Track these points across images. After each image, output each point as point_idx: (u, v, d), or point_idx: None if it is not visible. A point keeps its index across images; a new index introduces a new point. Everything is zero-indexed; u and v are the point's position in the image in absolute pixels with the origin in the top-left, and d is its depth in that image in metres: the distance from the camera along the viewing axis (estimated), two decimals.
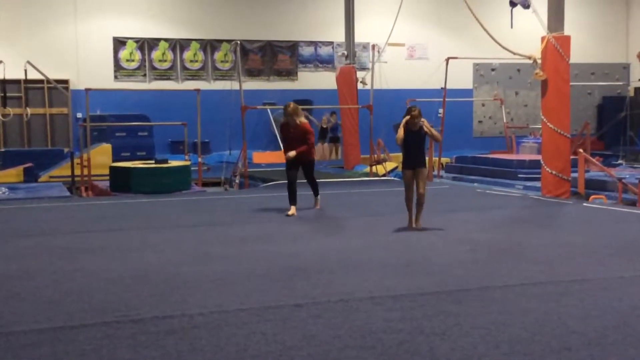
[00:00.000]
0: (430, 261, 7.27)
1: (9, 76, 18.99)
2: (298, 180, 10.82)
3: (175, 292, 6.07)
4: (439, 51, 22.66)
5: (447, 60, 18.12)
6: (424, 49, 24.78)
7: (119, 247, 8.16)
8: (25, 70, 17.96)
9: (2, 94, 20.25)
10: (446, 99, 18.34)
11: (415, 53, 24.81)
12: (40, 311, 5.52)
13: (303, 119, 10.87)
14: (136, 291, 6.12)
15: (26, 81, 19.80)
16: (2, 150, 18.80)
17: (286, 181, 10.91)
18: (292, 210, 10.65)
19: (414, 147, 9.01)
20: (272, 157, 20.38)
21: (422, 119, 8.91)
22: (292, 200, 10.74)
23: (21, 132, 21.31)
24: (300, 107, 21.55)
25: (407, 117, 8.84)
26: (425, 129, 8.95)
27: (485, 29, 12.46)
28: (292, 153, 10.60)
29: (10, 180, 15.70)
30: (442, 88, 18.26)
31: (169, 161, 15.35)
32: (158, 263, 7.27)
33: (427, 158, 9.95)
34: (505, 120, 22.04)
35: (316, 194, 11.24)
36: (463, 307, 5.56)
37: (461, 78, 23.90)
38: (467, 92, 24.90)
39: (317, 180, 11.25)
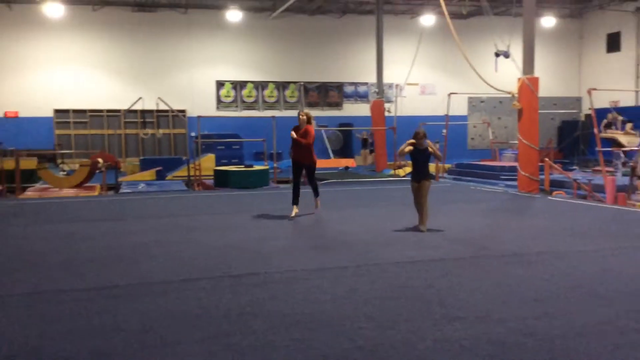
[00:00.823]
0: (437, 238, 7.20)
1: (146, 107, 19.46)
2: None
3: (260, 257, 6.14)
4: (443, 88, 22.47)
5: (450, 95, 17.96)
6: (432, 86, 24.54)
7: (220, 226, 8.25)
8: (157, 104, 18.34)
9: (142, 120, 20.78)
10: (448, 123, 18.14)
11: (426, 90, 24.58)
12: (167, 269, 5.65)
13: (311, 125, 8.99)
14: (233, 257, 6.20)
15: (157, 111, 20.29)
16: (142, 158, 19.23)
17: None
18: (295, 210, 8.96)
19: (419, 163, 7.78)
20: (325, 163, 20.36)
21: (429, 141, 7.75)
22: (296, 200, 9.02)
23: (154, 146, 21.79)
24: (343, 128, 21.42)
25: (412, 140, 7.70)
26: (430, 149, 7.73)
27: (477, 73, 12.29)
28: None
29: (147, 179, 16.04)
30: (445, 115, 18.09)
31: (254, 166, 15.49)
32: (248, 237, 7.32)
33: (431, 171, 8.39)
34: (491, 137, 21.68)
35: (316, 195, 9.38)
36: (463, 270, 5.52)
37: (459, 107, 23.64)
38: (463, 117, 24.59)
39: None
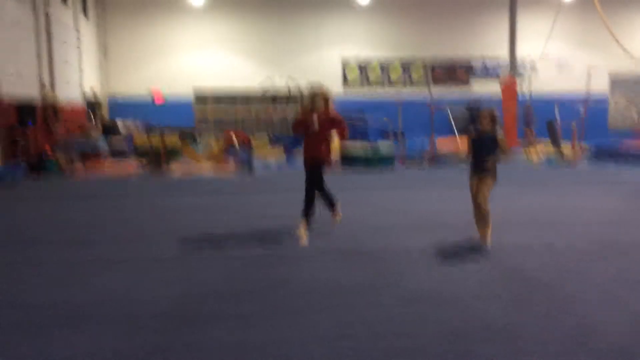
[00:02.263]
0: (577, 221, 6.83)
1: (276, 87, 20.14)
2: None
3: (381, 234, 6.21)
4: (582, 63, 20.88)
5: (590, 71, 16.67)
6: (570, 62, 22.94)
7: (344, 202, 8.11)
8: (287, 83, 18.90)
9: (272, 99, 21.54)
10: (587, 101, 16.90)
11: (562, 65, 23.03)
12: (327, 243, 5.83)
13: (330, 107, 6.29)
14: (358, 232, 6.34)
15: (289, 90, 20.89)
16: (271, 135, 19.91)
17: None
18: (304, 230, 6.00)
19: (480, 153, 5.65)
20: (452, 143, 19.93)
21: (501, 132, 5.85)
22: (308, 213, 6.15)
23: (282, 124, 22.55)
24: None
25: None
26: (500, 137, 5.67)
27: (622, 46, 11.35)
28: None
29: (276, 155, 16.59)
30: (584, 92, 16.86)
31: (380, 145, 15.44)
32: (373, 212, 7.44)
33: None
34: (635, 117, 19.90)
35: (333, 205, 6.51)
36: (597, 257, 5.23)
37: (599, 84, 21.86)
38: (603, 95, 22.74)
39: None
